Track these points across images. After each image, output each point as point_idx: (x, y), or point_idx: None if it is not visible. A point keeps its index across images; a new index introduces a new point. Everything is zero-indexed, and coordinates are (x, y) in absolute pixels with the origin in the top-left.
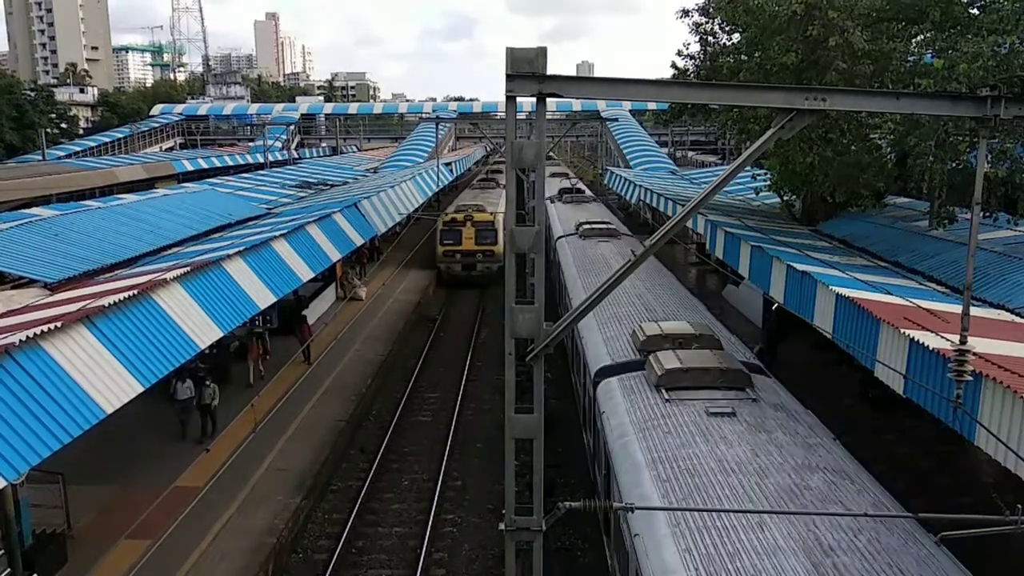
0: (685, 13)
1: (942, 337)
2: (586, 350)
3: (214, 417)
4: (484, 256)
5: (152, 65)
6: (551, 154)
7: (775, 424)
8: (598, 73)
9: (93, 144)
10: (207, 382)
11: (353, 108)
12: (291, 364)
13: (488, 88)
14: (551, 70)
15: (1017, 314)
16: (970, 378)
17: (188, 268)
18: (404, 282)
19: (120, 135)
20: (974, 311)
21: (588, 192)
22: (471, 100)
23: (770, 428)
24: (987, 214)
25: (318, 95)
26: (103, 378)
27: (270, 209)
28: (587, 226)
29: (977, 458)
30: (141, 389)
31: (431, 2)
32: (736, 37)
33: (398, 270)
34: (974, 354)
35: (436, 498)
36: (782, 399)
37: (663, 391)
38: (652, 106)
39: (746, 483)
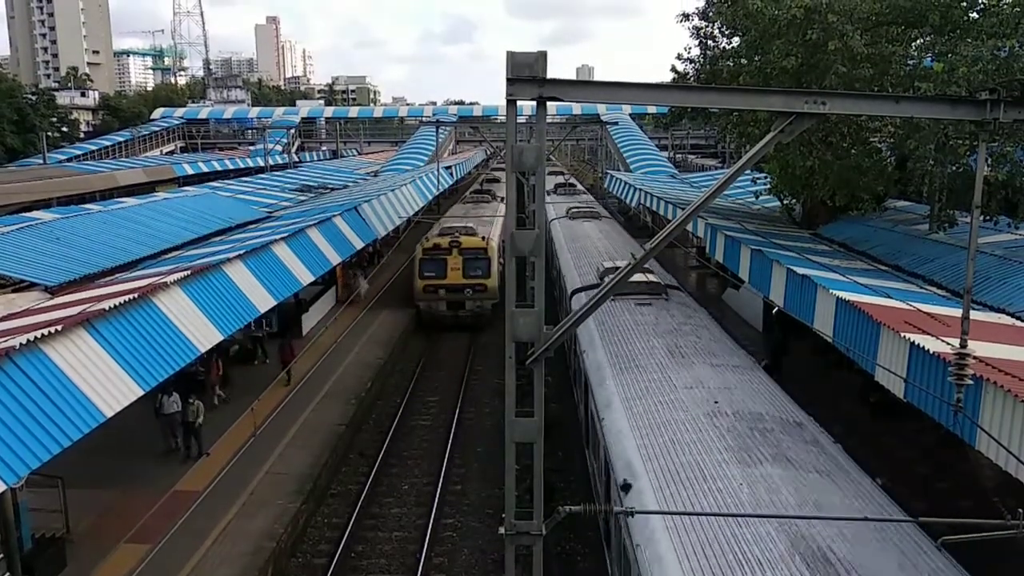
0: (685, 17)
1: (942, 341)
2: (564, 278)
3: (199, 436)
4: (475, 291)
5: (153, 69)
6: (549, 157)
7: (676, 310)
8: (598, 77)
9: (94, 148)
10: (190, 399)
11: (353, 112)
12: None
13: (488, 92)
14: (551, 74)
15: (1018, 318)
16: (971, 382)
17: (188, 271)
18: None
19: (121, 139)
20: (974, 315)
21: (580, 186)
22: (471, 104)
23: (672, 311)
24: (987, 218)
25: (318, 99)
26: (103, 381)
27: (270, 213)
28: (575, 209)
29: (978, 462)
30: (141, 392)
31: (430, 5)
32: (736, 41)
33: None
34: (974, 358)
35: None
36: (685, 301)
37: (612, 299)
38: (652, 110)
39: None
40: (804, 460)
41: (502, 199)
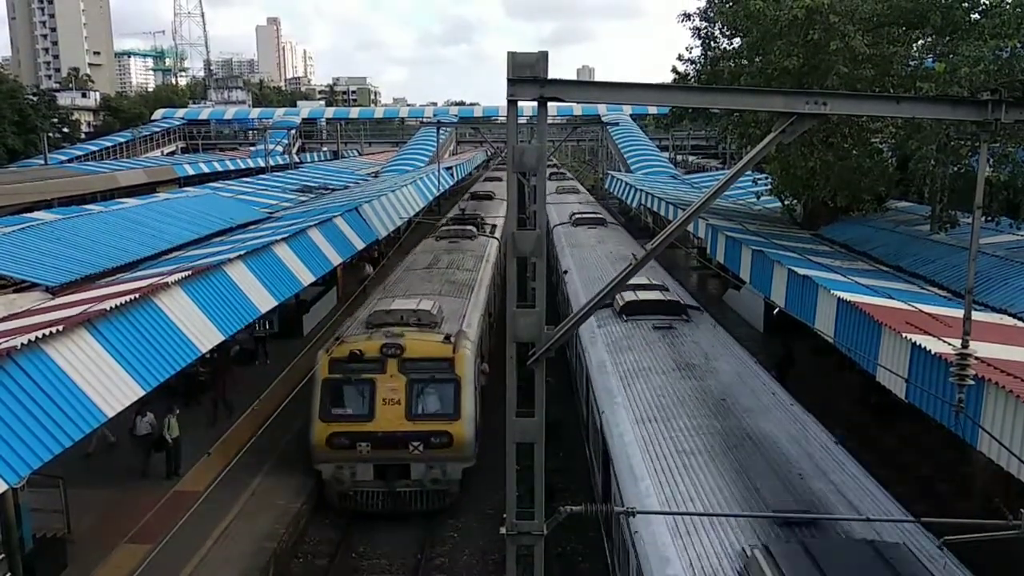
0: (686, 17)
1: (944, 342)
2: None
3: (176, 453)
4: (426, 448)
5: (154, 70)
6: (551, 158)
7: (700, 336)
8: (599, 78)
9: (95, 148)
10: (175, 410)
11: (354, 112)
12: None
13: (488, 93)
14: (551, 75)
15: (1019, 318)
16: (972, 382)
17: (189, 272)
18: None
19: (122, 139)
20: (976, 315)
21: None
22: (472, 105)
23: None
24: (989, 218)
25: (319, 99)
26: (104, 381)
27: (271, 213)
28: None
29: (980, 463)
30: (142, 392)
31: (428, 6)
32: (737, 41)
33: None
34: (976, 358)
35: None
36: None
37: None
38: (653, 110)
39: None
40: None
41: (492, 229)
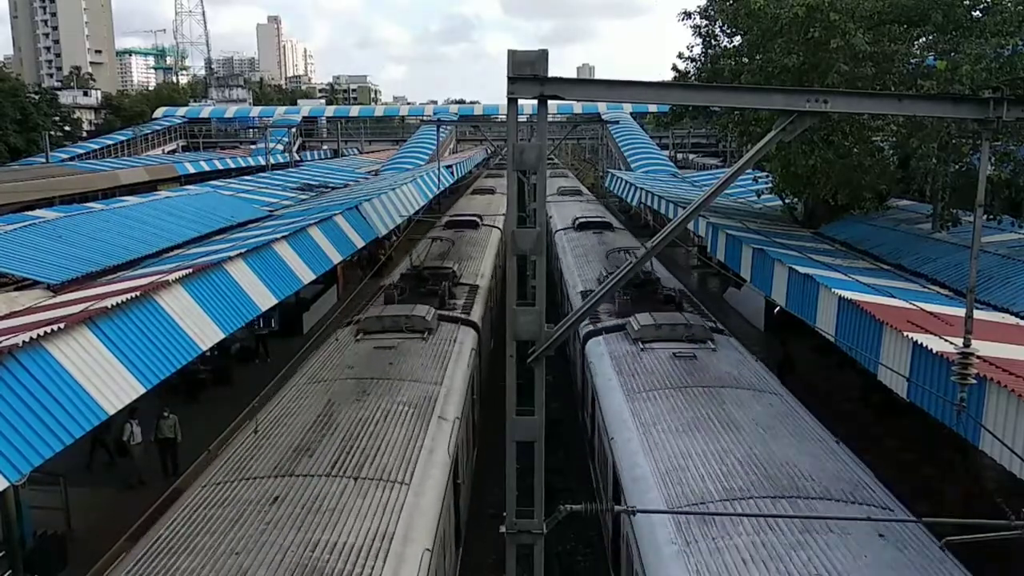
0: (687, 15)
1: (946, 340)
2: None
3: (175, 454)
4: None
5: (155, 68)
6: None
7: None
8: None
9: (96, 147)
10: (165, 413)
11: (354, 111)
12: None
13: (487, 91)
14: (551, 73)
15: (1021, 317)
16: (974, 382)
17: (190, 270)
18: None
19: (123, 138)
20: (978, 314)
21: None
22: (472, 103)
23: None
24: (990, 217)
25: (320, 98)
26: (105, 379)
27: (272, 211)
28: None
29: (981, 463)
30: (143, 390)
31: (426, 4)
32: (737, 39)
33: None
34: (978, 357)
35: None
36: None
37: (642, 347)
38: (653, 109)
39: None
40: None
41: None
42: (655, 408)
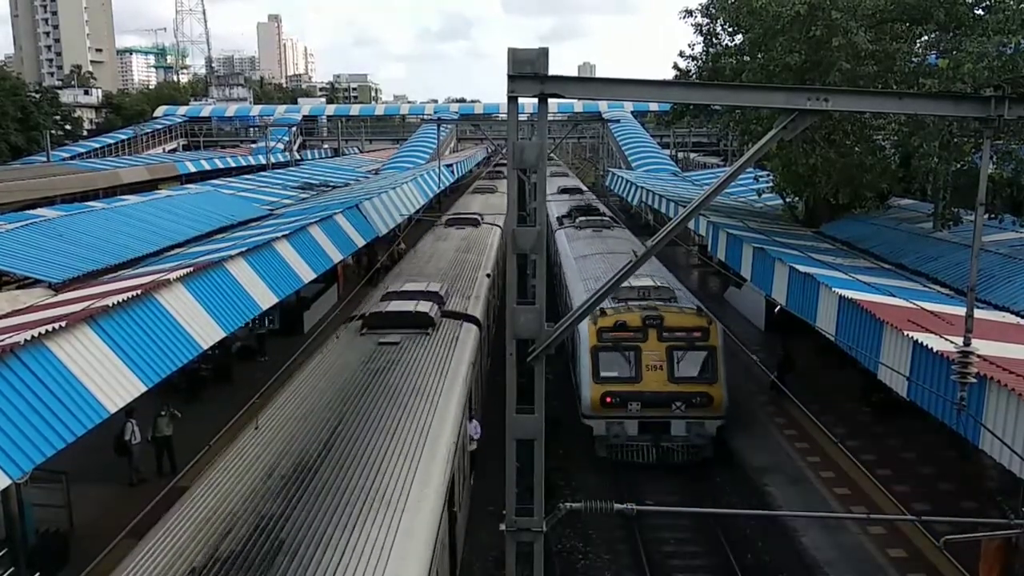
0: (688, 13)
1: (946, 339)
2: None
3: (171, 451)
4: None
5: (156, 67)
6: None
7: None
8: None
9: (97, 146)
10: (163, 412)
11: (355, 110)
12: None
13: (487, 89)
14: (552, 71)
15: (1022, 316)
16: (974, 381)
17: (191, 269)
18: None
19: (124, 137)
20: (978, 313)
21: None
22: (472, 102)
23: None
24: (991, 216)
25: (320, 97)
26: (107, 377)
27: (272, 210)
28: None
29: (981, 462)
30: (144, 389)
31: (426, 2)
32: (739, 38)
33: None
34: (978, 356)
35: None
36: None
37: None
38: (654, 107)
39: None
40: None
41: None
42: (581, 249)
